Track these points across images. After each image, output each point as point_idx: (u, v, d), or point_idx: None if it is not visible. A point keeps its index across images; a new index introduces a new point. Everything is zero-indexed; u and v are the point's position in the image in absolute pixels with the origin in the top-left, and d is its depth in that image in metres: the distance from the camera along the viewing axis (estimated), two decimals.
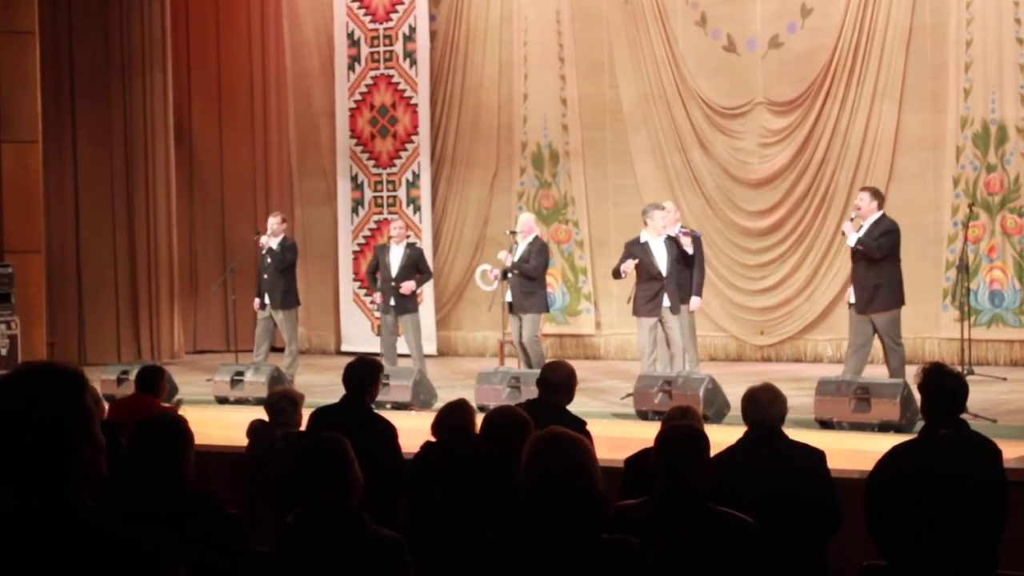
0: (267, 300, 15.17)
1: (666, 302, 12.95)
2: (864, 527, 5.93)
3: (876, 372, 12.75)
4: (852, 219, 12.69)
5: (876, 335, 12.47)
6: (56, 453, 2.81)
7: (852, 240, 12.44)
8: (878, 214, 12.49)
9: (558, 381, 7.50)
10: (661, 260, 13.02)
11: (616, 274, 13.28)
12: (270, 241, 15.21)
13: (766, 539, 4.85)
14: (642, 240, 13.15)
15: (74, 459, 2.83)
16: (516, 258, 14.17)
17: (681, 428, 5.10)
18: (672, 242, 13.15)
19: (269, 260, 15.15)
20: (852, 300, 12.53)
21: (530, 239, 14.28)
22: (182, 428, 5.05)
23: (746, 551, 4.72)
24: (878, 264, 12.34)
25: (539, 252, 14.26)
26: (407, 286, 14.67)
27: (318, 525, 4.46)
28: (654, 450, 4.96)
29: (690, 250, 13.14)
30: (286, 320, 15.18)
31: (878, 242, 12.36)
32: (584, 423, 7.35)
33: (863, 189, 13.01)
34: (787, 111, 16.30)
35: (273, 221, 15.38)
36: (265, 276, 15.17)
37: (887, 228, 12.47)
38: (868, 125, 15.82)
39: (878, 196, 12.67)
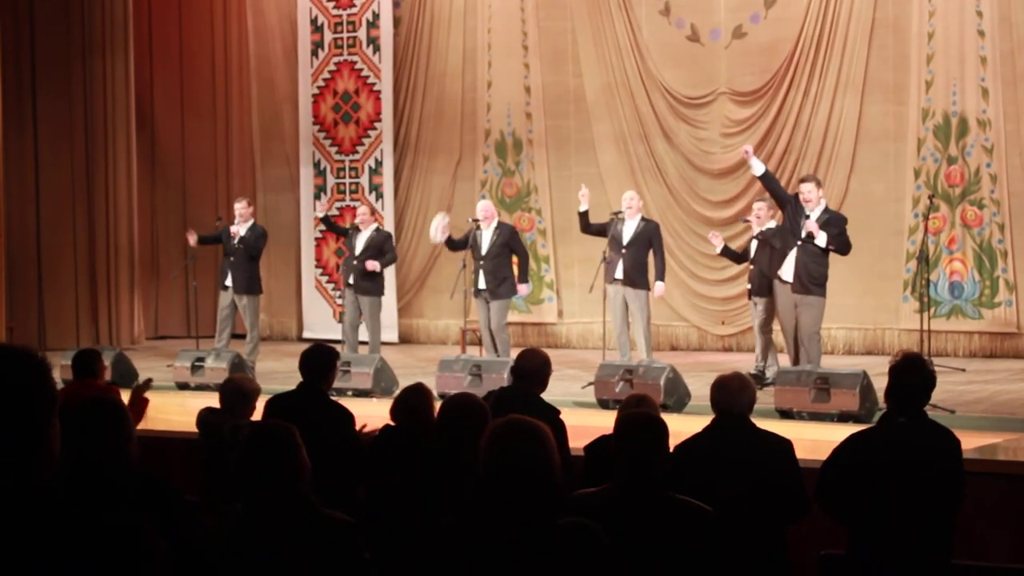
0: (229, 282, 15.10)
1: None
2: (822, 515, 5.96)
3: (836, 362, 12.81)
4: (807, 216, 12.41)
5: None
6: (27, 437, 2.82)
7: (822, 240, 12.29)
8: (823, 204, 12.54)
9: (534, 369, 7.47)
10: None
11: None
12: (240, 228, 15.12)
13: (723, 526, 4.87)
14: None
15: (45, 443, 2.84)
16: (486, 246, 14.14)
17: (638, 416, 5.11)
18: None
19: (240, 246, 15.04)
20: (788, 279, 12.51)
21: (494, 225, 14.30)
22: (115, 408, 4.97)
23: (702, 538, 4.74)
24: (828, 254, 12.38)
25: (513, 235, 14.40)
26: (371, 264, 14.68)
27: (268, 511, 4.43)
28: (612, 439, 4.97)
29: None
30: (249, 306, 15.12)
31: (843, 239, 12.38)
32: (557, 411, 7.38)
33: (807, 179, 12.76)
34: (750, 101, 16.34)
35: (240, 206, 15.32)
36: (232, 259, 15.06)
37: (843, 221, 12.50)
38: (830, 116, 15.89)
39: (821, 184, 12.76)
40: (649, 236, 13.72)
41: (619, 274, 13.60)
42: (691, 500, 4.81)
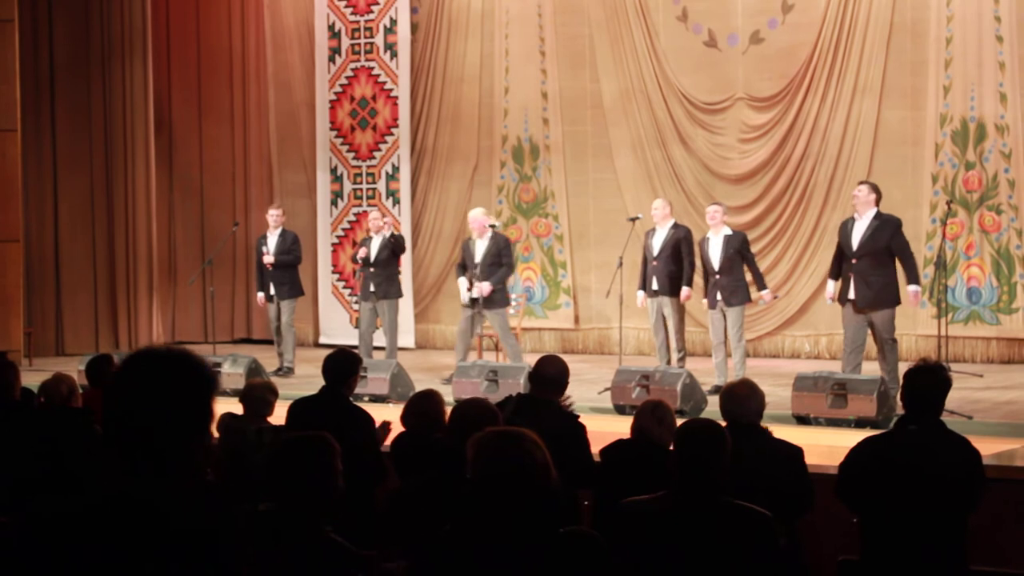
0: (273, 292, 15.55)
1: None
2: (840, 524, 5.96)
3: (864, 369, 12.77)
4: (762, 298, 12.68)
5: (871, 332, 12.33)
6: (189, 438, 2.96)
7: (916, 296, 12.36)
8: (875, 209, 12.34)
9: (554, 376, 7.46)
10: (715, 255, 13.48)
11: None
12: (271, 237, 15.62)
13: (788, 530, 4.87)
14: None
15: (205, 442, 2.99)
16: (479, 255, 14.25)
17: (701, 423, 5.10)
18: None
19: (272, 268, 15.45)
20: (852, 297, 12.30)
21: (489, 234, 14.40)
22: None
23: (765, 542, 4.73)
24: (885, 263, 12.22)
25: (507, 246, 14.54)
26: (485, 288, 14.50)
27: (279, 526, 4.43)
28: (675, 444, 4.94)
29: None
30: (288, 309, 15.59)
31: (902, 248, 12.31)
32: (576, 416, 7.39)
33: (863, 183, 12.70)
34: (767, 107, 16.33)
35: (276, 213, 15.88)
36: (269, 268, 15.52)
37: (896, 225, 12.28)
38: (848, 121, 15.87)
39: (876, 190, 12.51)
40: (678, 241, 13.72)
41: (655, 285, 13.70)
42: (750, 505, 4.79)
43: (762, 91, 16.34)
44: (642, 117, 16.91)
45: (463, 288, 14.42)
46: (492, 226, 14.52)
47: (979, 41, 15.18)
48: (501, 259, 14.35)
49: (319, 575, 4.37)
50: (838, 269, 12.53)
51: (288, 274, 15.62)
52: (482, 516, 3.89)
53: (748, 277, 13.58)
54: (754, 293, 13.84)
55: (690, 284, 13.72)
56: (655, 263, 13.70)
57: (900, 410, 6.09)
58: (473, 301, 14.24)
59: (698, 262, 13.85)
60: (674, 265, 13.65)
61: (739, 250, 13.34)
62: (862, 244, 12.18)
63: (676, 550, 4.68)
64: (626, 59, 16.96)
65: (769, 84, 16.29)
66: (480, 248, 14.35)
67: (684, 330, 14.03)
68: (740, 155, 16.52)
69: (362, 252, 15.15)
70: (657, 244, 13.75)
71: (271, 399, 8.13)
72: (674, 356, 13.66)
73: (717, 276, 13.29)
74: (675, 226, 13.89)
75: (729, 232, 13.47)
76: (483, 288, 14.15)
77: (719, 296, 13.33)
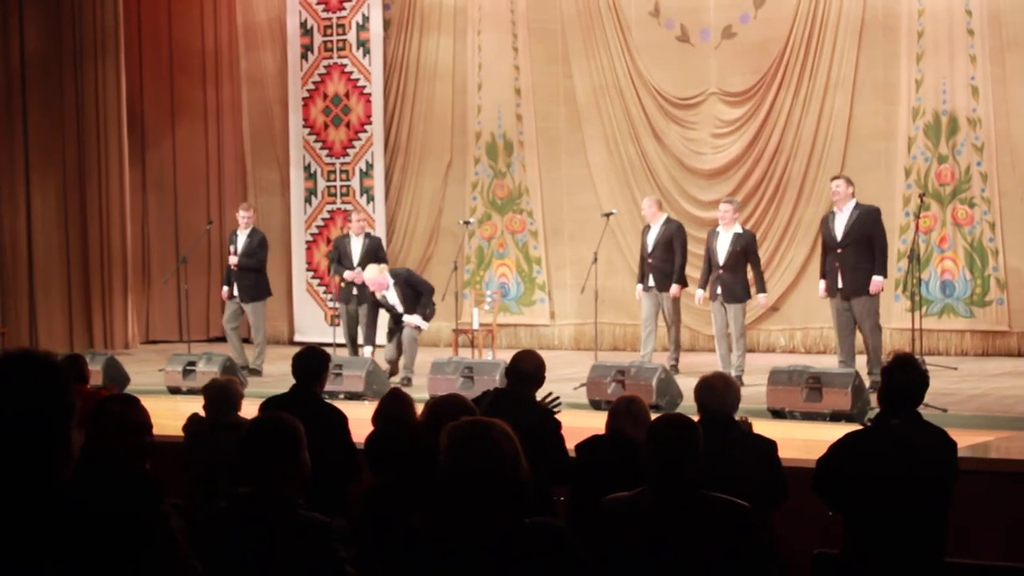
0: (236, 292, 15.37)
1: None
2: (815, 518, 5.96)
3: (828, 362, 12.81)
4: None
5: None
6: (47, 440, 2.90)
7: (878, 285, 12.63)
8: (854, 201, 12.68)
9: (530, 371, 7.45)
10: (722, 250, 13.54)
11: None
12: (240, 235, 15.42)
13: (764, 521, 4.85)
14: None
15: (64, 446, 2.92)
16: (400, 307, 14.20)
17: (673, 418, 5.08)
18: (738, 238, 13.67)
19: (238, 269, 15.31)
20: (840, 286, 12.60)
21: (391, 284, 14.26)
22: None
23: (746, 533, 4.72)
24: (868, 251, 12.54)
25: (414, 278, 14.55)
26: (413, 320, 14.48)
27: (248, 509, 4.44)
28: (646, 441, 4.92)
29: None
30: (254, 311, 15.37)
31: (882, 237, 12.72)
32: (553, 412, 7.38)
33: (836, 177, 13.20)
34: (740, 102, 16.36)
35: (247, 214, 15.64)
36: (234, 268, 15.37)
37: (876, 214, 12.75)
38: (821, 116, 15.91)
39: (851, 183, 12.91)
40: (670, 237, 13.97)
41: (651, 281, 14.03)
42: (727, 497, 4.79)
43: (735, 86, 16.37)
44: (615, 112, 16.92)
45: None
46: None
47: (950, 35, 15.23)
48: (419, 289, 14.33)
49: (295, 551, 4.37)
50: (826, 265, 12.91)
51: (251, 276, 15.37)
52: (452, 505, 3.89)
53: (751, 276, 13.73)
54: (754, 293, 13.94)
55: (680, 280, 13.94)
56: (650, 260, 14.04)
57: (874, 403, 6.09)
58: (398, 321, 14.32)
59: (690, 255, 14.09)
60: (668, 260, 13.94)
61: (745, 249, 13.44)
62: (847, 233, 12.63)
63: (656, 546, 4.67)
64: (599, 55, 16.97)
65: (742, 79, 16.31)
66: (393, 296, 14.26)
67: (680, 329, 14.34)
68: (713, 150, 16.53)
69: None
70: (651, 241, 14.12)
71: (240, 391, 8.13)
72: (668, 357, 13.87)
73: (720, 271, 13.44)
74: (667, 221, 14.25)
75: (740, 230, 13.59)
76: (415, 321, 14.16)
77: (720, 291, 13.45)
